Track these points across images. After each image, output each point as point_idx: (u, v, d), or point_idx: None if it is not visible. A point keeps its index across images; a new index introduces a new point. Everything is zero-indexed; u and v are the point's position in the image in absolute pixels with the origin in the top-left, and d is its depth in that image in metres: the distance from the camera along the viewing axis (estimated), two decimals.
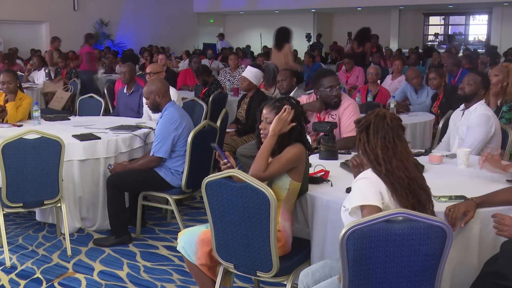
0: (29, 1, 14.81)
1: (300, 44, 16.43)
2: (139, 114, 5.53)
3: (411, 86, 6.33)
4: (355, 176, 2.37)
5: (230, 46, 16.84)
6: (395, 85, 7.18)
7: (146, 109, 5.20)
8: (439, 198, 2.57)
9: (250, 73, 5.69)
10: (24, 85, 8.01)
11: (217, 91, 6.69)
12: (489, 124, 3.71)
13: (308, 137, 2.99)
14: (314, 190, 2.80)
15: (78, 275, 3.55)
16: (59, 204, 3.81)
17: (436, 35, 21.97)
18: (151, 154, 3.99)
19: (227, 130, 5.46)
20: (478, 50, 13.78)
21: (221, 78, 8.20)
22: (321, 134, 3.62)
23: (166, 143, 3.93)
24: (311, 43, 18.16)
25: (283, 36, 8.70)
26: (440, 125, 4.52)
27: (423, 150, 3.66)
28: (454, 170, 3.23)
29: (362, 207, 2.14)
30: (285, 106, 2.74)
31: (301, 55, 12.77)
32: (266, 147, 2.69)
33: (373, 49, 11.28)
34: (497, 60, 9.33)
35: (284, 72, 5.66)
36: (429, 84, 5.94)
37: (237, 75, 7.76)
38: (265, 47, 16.56)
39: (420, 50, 15.20)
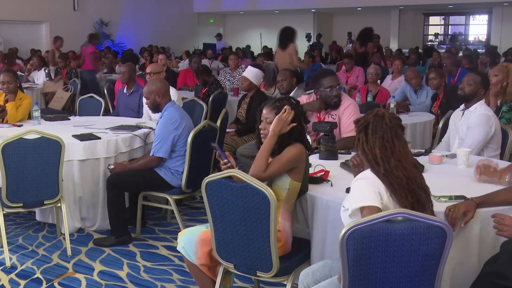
0: (29, 1, 14.81)
1: (300, 44, 16.34)
2: (139, 114, 5.54)
3: (410, 86, 6.33)
4: (355, 176, 2.37)
5: (228, 46, 16.84)
6: (395, 85, 7.18)
7: (146, 109, 5.20)
8: (439, 198, 2.57)
9: (251, 73, 5.69)
10: (24, 85, 8.02)
11: (217, 91, 6.69)
12: (489, 124, 3.71)
13: (308, 137, 2.99)
14: (314, 190, 2.80)
15: (78, 275, 3.55)
16: (59, 204, 3.81)
17: (436, 35, 21.98)
18: (151, 154, 3.99)
19: (227, 130, 5.45)
20: (478, 50, 13.78)
21: (221, 78, 8.20)
22: (321, 134, 3.62)
23: (166, 143, 3.93)
24: (311, 43, 18.16)
25: (287, 36, 8.72)
26: (440, 125, 4.52)
27: (423, 150, 3.66)
28: (454, 170, 3.23)
29: (362, 208, 2.14)
30: (285, 107, 2.74)
31: (301, 55, 12.73)
32: (266, 147, 2.69)
33: (374, 49, 11.29)
34: (497, 60, 9.33)
35: (284, 72, 5.66)
36: (429, 84, 5.94)
37: (237, 75, 7.76)
38: (265, 47, 16.56)
39: (420, 50, 15.20)
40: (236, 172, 2.49)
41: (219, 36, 18.77)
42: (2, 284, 3.41)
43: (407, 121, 4.62)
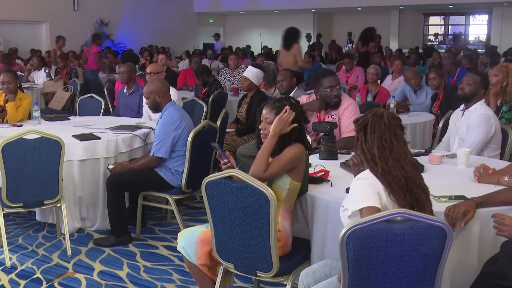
0: (29, 1, 14.80)
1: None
2: (139, 114, 5.53)
3: (410, 86, 6.33)
4: (355, 175, 2.37)
5: (223, 45, 16.82)
6: (395, 85, 7.18)
7: (146, 109, 5.20)
8: (439, 198, 2.57)
9: (251, 73, 5.68)
10: (24, 85, 8.01)
11: (217, 91, 6.69)
12: (489, 124, 3.71)
13: (308, 137, 2.99)
14: (314, 190, 2.80)
15: (78, 275, 3.55)
16: (59, 204, 3.81)
17: (436, 35, 21.98)
18: (151, 154, 3.99)
19: (227, 130, 5.45)
20: (478, 50, 13.77)
21: (221, 78, 8.20)
22: (321, 134, 3.62)
23: (166, 143, 3.93)
24: (311, 43, 18.16)
25: (292, 36, 8.74)
26: (440, 125, 4.52)
27: (423, 150, 3.66)
28: (454, 170, 3.23)
29: (361, 209, 2.14)
30: (286, 107, 2.74)
31: (302, 55, 12.75)
32: (266, 147, 2.69)
33: (375, 49, 11.31)
34: (497, 60, 9.32)
35: (284, 72, 5.66)
36: (429, 84, 5.95)
37: (237, 75, 7.76)
38: (265, 47, 16.56)
39: (420, 50, 15.21)
40: (236, 172, 2.49)
41: (217, 36, 18.76)
42: (2, 284, 3.41)
43: (407, 121, 4.62)
